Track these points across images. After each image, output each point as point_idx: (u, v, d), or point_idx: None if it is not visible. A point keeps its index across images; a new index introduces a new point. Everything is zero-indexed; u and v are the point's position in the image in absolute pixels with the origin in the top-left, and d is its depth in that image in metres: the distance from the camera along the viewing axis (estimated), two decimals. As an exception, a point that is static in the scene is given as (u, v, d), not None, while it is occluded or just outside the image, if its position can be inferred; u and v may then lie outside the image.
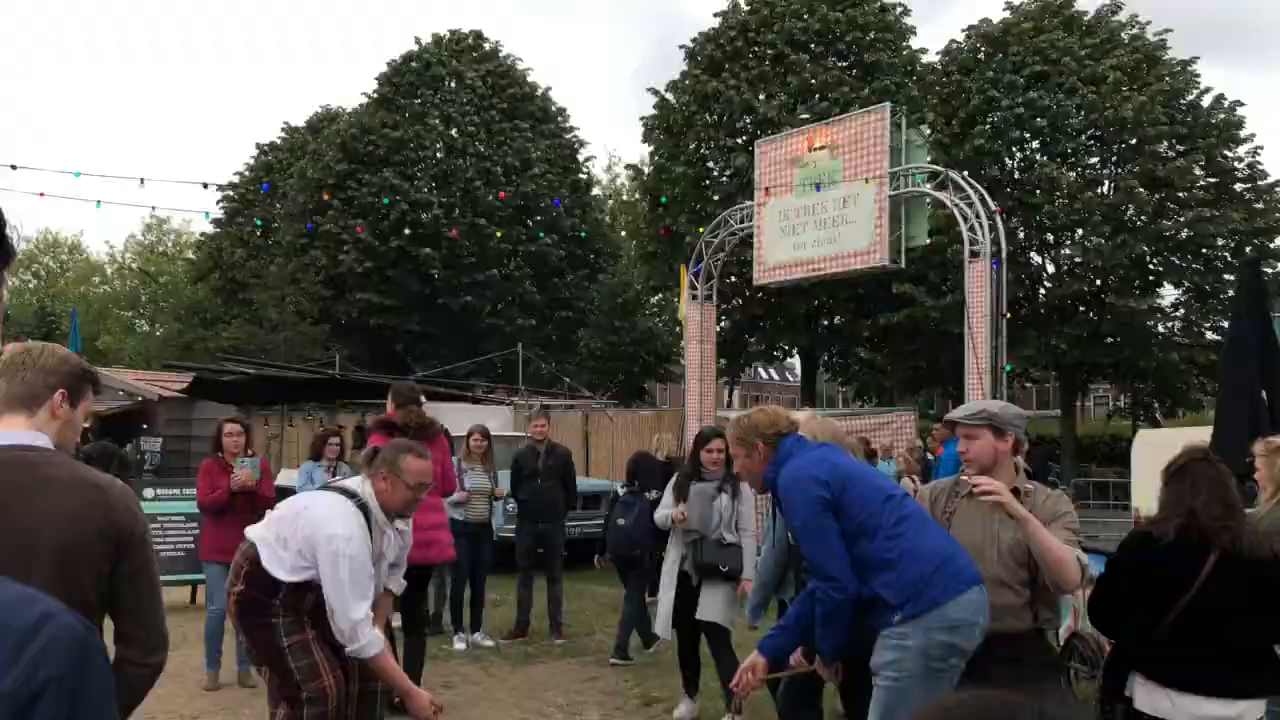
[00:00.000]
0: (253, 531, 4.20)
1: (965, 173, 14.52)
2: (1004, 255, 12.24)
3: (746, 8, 26.70)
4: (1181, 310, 24.70)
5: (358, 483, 4.19)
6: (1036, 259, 24.89)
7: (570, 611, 9.61)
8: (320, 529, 3.97)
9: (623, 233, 36.60)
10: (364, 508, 4.05)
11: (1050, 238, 24.33)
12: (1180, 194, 22.50)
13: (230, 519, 6.52)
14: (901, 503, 3.67)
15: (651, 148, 28.03)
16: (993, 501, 3.40)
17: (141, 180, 12.55)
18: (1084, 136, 23.50)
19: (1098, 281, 23.45)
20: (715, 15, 27.29)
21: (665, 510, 6.54)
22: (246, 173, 38.43)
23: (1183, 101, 23.10)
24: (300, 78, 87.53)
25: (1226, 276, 22.44)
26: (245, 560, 4.13)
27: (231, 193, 37.94)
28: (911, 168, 13.13)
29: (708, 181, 26.67)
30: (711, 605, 6.19)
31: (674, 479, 6.71)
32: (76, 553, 2.18)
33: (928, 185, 13.10)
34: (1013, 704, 1.28)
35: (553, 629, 8.89)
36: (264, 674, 4.20)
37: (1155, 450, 11.54)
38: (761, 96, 25.30)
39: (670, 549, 6.59)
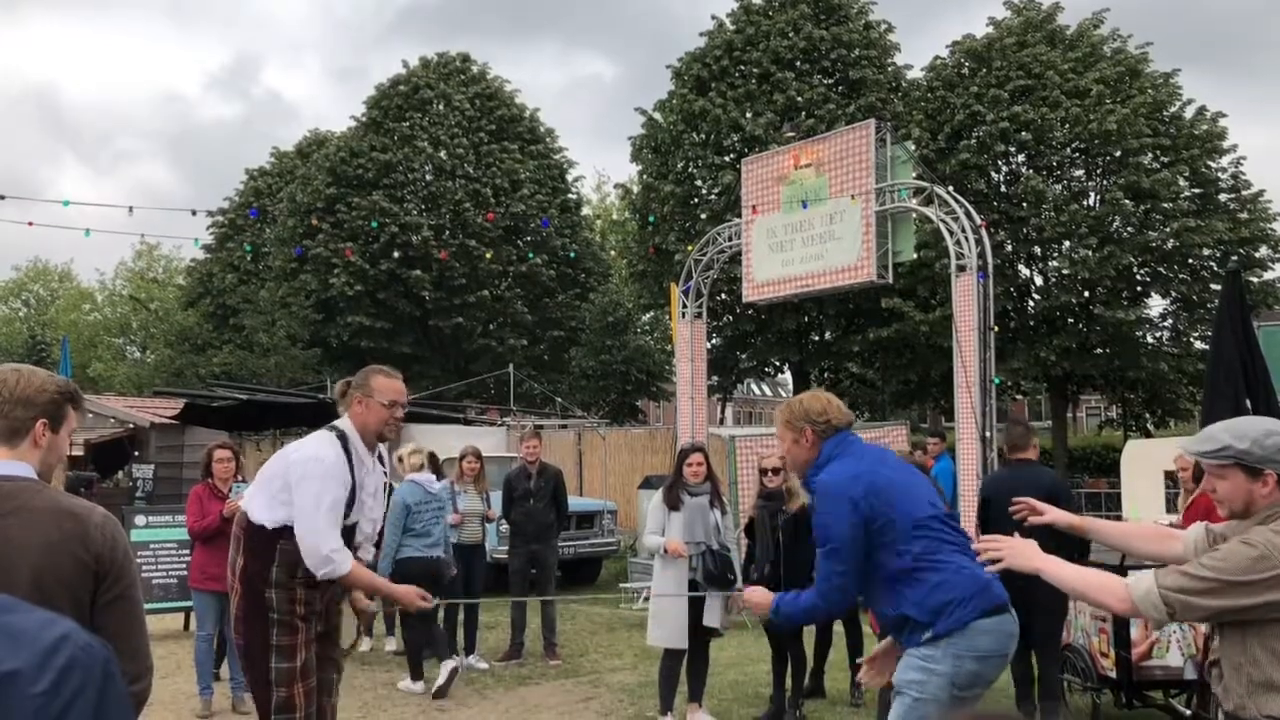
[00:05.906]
0: (246, 491, 4.28)
1: (951, 187, 14.60)
2: (990, 268, 12.30)
3: (732, 27, 26.86)
4: (1169, 320, 24.83)
5: (341, 420, 4.23)
6: (1024, 271, 25.00)
7: (564, 632, 9.61)
8: (294, 455, 4.03)
9: (612, 252, 36.65)
10: (342, 437, 4.08)
11: (1037, 250, 24.44)
12: (1165, 205, 22.65)
13: (220, 546, 6.48)
14: (942, 524, 3.62)
15: (640, 167, 28.12)
16: (1002, 565, 3.09)
17: (130, 209, 12.58)
18: (1069, 149, 23.67)
19: (1085, 293, 23.57)
20: (701, 35, 27.47)
21: (655, 537, 6.60)
22: (236, 198, 38.43)
23: (1166, 113, 23.27)
24: (289, 103, 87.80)
25: (1213, 286, 22.55)
26: (240, 528, 4.14)
27: (221, 218, 37.94)
28: (897, 183, 13.20)
29: (696, 200, 26.76)
30: (713, 612, 6.54)
31: (658, 497, 6.78)
32: (54, 581, 2.17)
33: (913, 200, 13.16)
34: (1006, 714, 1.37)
35: (547, 650, 8.87)
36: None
37: (1145, 461, 11.63)
38: (748, 115, 25.43)
39: (663, 565, 6.63)
